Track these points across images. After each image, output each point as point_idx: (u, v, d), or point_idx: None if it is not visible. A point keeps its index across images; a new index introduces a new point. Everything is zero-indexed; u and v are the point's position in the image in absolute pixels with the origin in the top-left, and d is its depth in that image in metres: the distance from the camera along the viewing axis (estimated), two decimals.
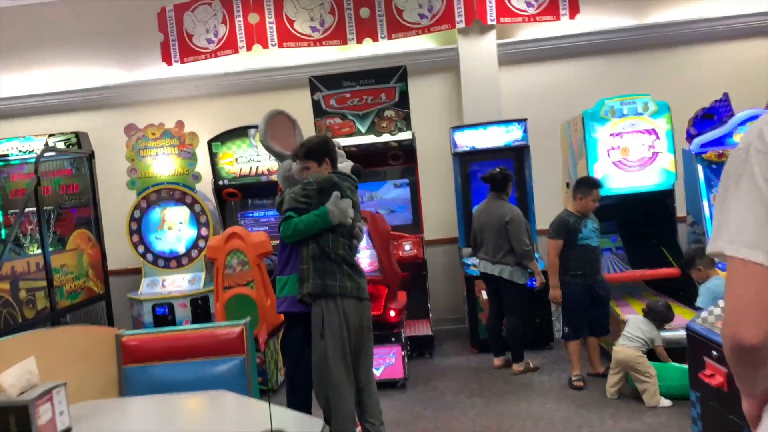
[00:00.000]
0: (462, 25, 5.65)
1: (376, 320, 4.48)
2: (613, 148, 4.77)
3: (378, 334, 4.44)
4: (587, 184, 4.22)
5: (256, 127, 5.23)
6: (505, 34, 5.91)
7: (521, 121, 5.34)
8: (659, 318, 3.91)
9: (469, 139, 5.38)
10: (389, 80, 5.08)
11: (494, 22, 5.67)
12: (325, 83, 5.11)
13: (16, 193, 5.97)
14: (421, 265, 5.25)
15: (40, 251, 5.32)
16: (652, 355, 3.84)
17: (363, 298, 3.14)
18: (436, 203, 5.98)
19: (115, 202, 5.89)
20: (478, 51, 5.78)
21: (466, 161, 5.51)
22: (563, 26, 5.81)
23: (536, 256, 4.81)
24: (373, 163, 5.29)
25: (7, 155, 5.71)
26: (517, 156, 5.48)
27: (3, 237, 5.88)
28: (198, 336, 2.89)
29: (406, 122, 5.16)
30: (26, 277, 4.63)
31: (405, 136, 5.14)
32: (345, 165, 3.49)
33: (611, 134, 4.77)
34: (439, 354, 5.27)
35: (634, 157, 4.73)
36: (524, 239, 4.47)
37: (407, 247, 5.16)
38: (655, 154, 4.71)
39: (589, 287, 4.15)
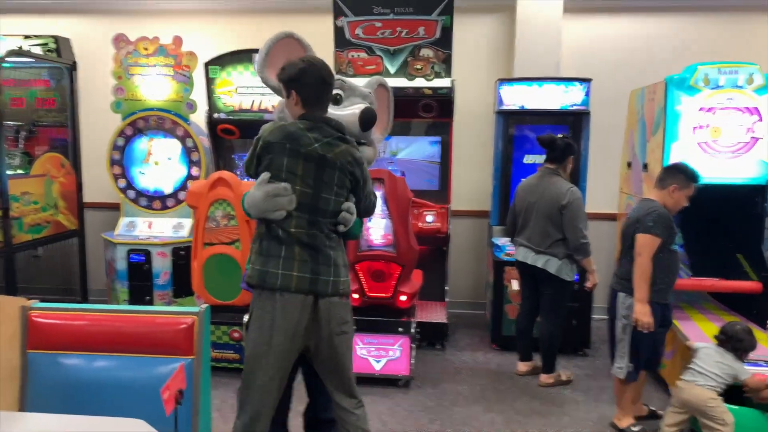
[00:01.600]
0: None
1: (383, 303, 3.72)
2: (700, 127, 3.79)
3: (383, 321, 3.69)
4: (687, 175, 3.13)
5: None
6: None
7: (585, 80, 4.38)
8: (741, 347, 3.04)
9: (518, 96, 4.44)
10: (431, 11, 4.13)
11: None
12: (352, 6, 4.17)
13: None
14: (443, 240, 4.42)
15: (11, 172, 4.58)
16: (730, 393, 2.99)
17: (327, 294, 2.26)
18: (469, 169, 5.12)
19: (97, 125, 5.10)
20: None
21: (512, 123, 4.61)
22: None
23: None
24: (399, 112, 4.29)
25: None
26: (573, 123, 4.54)
27: None
28: (133, 322, 2.08)
29: (446, 66, 4.23)
30: None
31: (442, 83, 4.23)
32: (348, 113, 2.52)
33: (701, 108, 3.79)
34: (452, 346, 4.48)
35: (726, 141, 3.75)
36: (582, 229, 3.58)
37: (429, 218, 4.32)
38: (755, 139, 3.74)
39: (664, 307, 3.14)
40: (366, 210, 2.47)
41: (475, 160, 5.11)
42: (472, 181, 5.13)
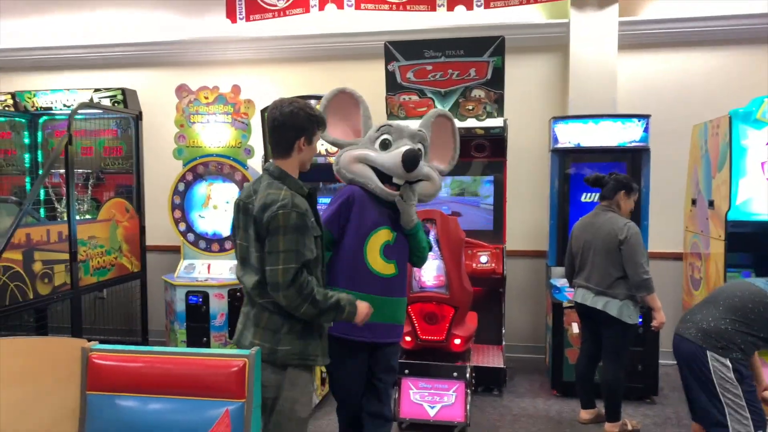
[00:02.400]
0: None
1: (437, 347, 3.65)
2: None
3: (437, 365, 3.61)
4: None
5: (318, 97, 4.46)
6: (628, 10, 4.82)
7: (643, 117, 4.27)
8: None
9: (573, 134, 4.37)
10: (482, 53, 4.14)
11: None
12: (403, 51, 4.23)
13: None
14: (499, 281, 4.32)
15: (81, 218, 4.81)
16: None
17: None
18: (525, 208, 5.04)
19: (160, 171, 5.31)
20: (595, 29, 4.73)
21: (568, 161, 4.52)
22: (704, 5, 4.66)
23: None
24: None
25: (51, 108, 5.20)
26: (632, 160, 4.42)
27: (42, 198, 5.40)
28: (186, 364, 2.10)
29: (498, 106, 4.21)
30: (43, 248, 4.05)
31: (495, 122, 4.21)
32: (391, 155, 2.62)
33: None
34: (510, 392, 4.32)
35: None
36: (643, 264, 3.42)
37: (483, 259, 4.23)
38: None
39: None
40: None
41: (530, 200, 5.02)
42: (528, 220, 5.03)
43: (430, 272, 3.50)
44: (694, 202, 4.36)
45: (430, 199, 2.85)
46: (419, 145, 2.74)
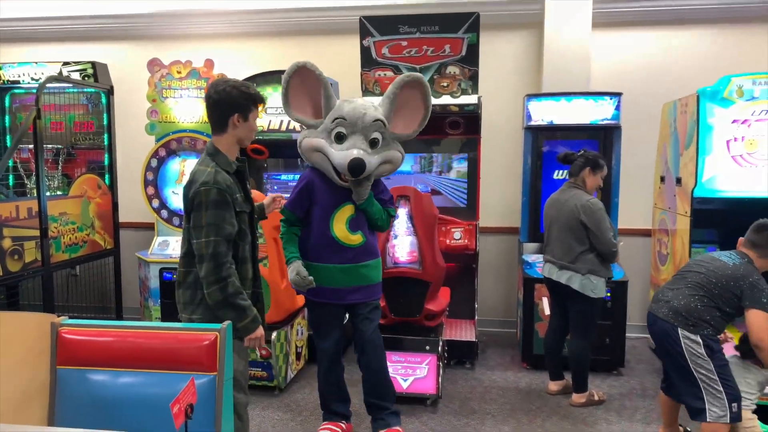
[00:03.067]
0: None
1: (410, 321, 3.70)
2: (735, 139, 3.71)
3: (410, 339, 3.67)
4: None
5: None
6: None
7: (615, 94, 4.31)
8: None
9: (546, 112, 4.40)
10: (457, 29, 4.13)
11: None
12: (378, 26, 4.20)
13: None
14: (472, 257, 4.37)
15: (50, 194, 4.73)
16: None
17: None
18: (498, 185, 5.09)
19: (133, 147, 5.27)
20: (569, 6, 4.73)
21: (541, 138, 4.56)
22: None
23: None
24: (426, 129, 4.32)
25: (19, 82, 5.08)
26: (604, 137, 4.47)
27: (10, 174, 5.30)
28: (157, 338, 2.10)
29: (473, 83, 4.22)
30: (12, 224, 3.99)
31: (469, 99, 4.21)
32: (340, 156, 2.83)
33: (734, 121, 3.71)
34: (482, 365, 4.41)
35: (763, 155, 3.66)
36: (609, 235, 3.50)
37: (457, 235, 4.27)
38: None
39: None
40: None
41: (504, 177, 5.07)
42: (502, 197, 5.08)
43: (404, 248, 3.54)
44: (662, 179, 4.45)
45: (396, 167, 3.05)
46: (375, 135, 2.86)
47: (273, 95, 4.39)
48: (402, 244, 3.51)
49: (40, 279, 4.31)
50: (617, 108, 4.32)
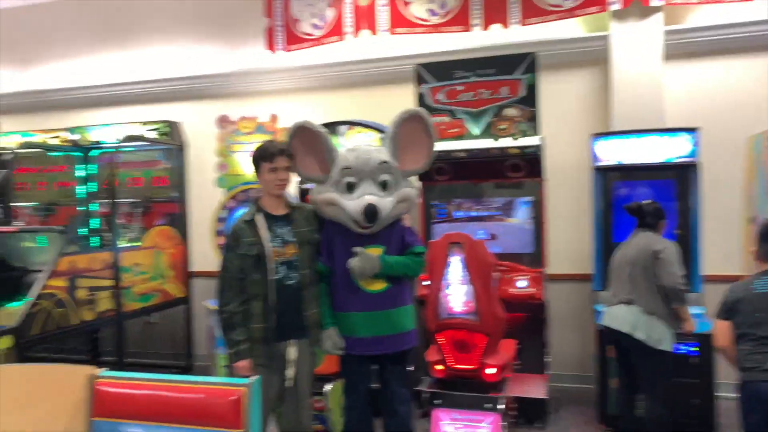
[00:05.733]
0: (617, 6, 4.42)
1: (469, 376, 3.50)
2: None
3: (470, 396, 3.46)
4: None
5: (347, 123, 4.48)
6: (674, 18, 4.59)
7: (692, 130, 4.02)
8: None
9: (615, 151, 4.17)
10: (513, 70, 4.04)
11: (661, 2, 4.39)
12: (433, 72, 4.19)
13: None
14: (539, 307, 4.13)
15: (126, 245, 4.99)
16: None
17: None
18: (567, 230, 4.83)
19: (204, 199, 5.43)
20: (637, 40, 4.52)
21: (610, 179, 4.30)
22: (754, 9, 4.37)
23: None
24: (487, 174, 4.29)
25: (101, 142, 5.46)
26: (680, 177, 4.15)
27: (93, 227, 5.64)
28: (187, 391, 2.09)
29: (533, 125, 4.08)
30: (87, 275, 4.20)
31: (530, 141, 4.06)
32: (353, 205, 2.86)
33: None
34: (554, 425, 4.10)
35: None
36: (678, 273, 3.22)
37: (522, 283, 4.06)
38: None
39: None
40: None
41: (573, 221, 4.81)
42: (571, 242, 4.80)
43: (459, 298, 3.38)
44: (752, 220, 4.05)
45: (413, 204, 3.06)
46: (384, 176, 2.88)
47: None
48: (456, 293, 3.36)
49: (113, 328, 4.52)
50: (695, 144, 4.02)
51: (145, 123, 5.34)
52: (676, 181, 4.18)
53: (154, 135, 5.26)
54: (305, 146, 2.97)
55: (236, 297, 2.75)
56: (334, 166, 2.93)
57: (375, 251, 2.87)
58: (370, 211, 2.79)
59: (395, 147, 2.96)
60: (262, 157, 2.81)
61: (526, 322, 4.24)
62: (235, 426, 1.99)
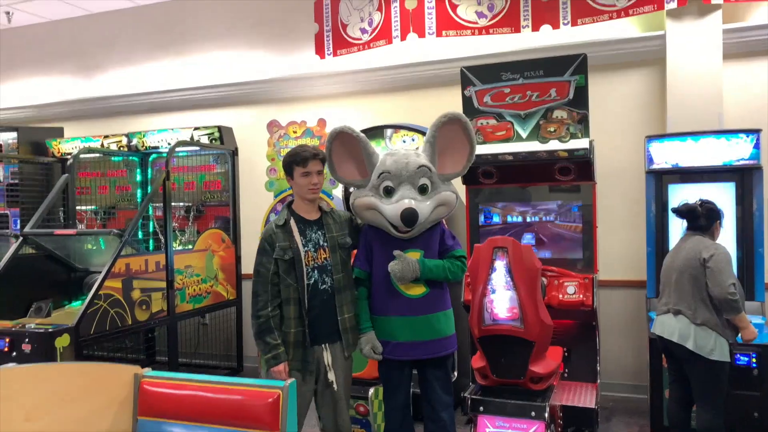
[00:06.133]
0: (673, 5, 4.24)
1: (513, 385, 3.44)
2: None
3: (514, 404, 3.39)
4: None
5: (393, 127, 4.49)
6: (733, 16, 4.39)
7: (753, 131, 3.83)
8: None
9: (671, 154, 4.02)
10: (563, 72, 3.93)
11: (719, 0, 4.21)
12: (479, 75, 4.13)
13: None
14: (590, 314, 4.01)
15: (180, 248, 5.14)
16: None
17: None
18: (619, 235, 4.72)
19: (254, 203, 5.55)
20: (695, 39, 4.35)
21: (665, 183, 4.16)
22: None
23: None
24: (535, 177, 4.21)
25: (158, 147, 5.64)
26: (740, 180, 3.97)
27: (151, 230, 5.84)
28: (226, 392, 2.12)
29: (582, 127, 3.96)
30: (142, 276, 4.35)
31: (579, 144, 3.94)
32: (391, 208, 2.88)
33: None
34: None
35: None
36: (728, 281, 3.05)
37: (571, 290, 3.95)
38: None
39: None
40: None
41: (625, 225, 4.69)
42: (624, 247, 4.69)
43: (503, 304, 3.30)
44: None
45: (446, 216, 3.05)
46: (423, 181, 2.88)
47: (378, 148, 4.44)
48: (501, 299, 3.28)
49: (165, 328, 4.65)
50: (756, 146, 3.83)
51: (197, 128, 5.48)
52: (736, 185, 3.99)
53: (206, 140, 5.39)
54: (345, 151, 3.00)
55: (270, 301, 2.79)
56: (373, 170, 2.96)
57: (414, 255, 2.88)
58: (409, 215, 2.80)
59: (434, 151, 2.96)
60: (294, 161, 2.85)
61: (576, 330, 4.14)
62: (273, 428, 2.01)
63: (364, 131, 4.51)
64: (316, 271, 2.85)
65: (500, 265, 3.28)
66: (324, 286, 2.85)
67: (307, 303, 2.79)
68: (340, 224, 3.00)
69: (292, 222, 2.88)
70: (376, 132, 4.54)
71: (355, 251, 3.10)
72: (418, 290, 2.89)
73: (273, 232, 2.85)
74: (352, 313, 2.93)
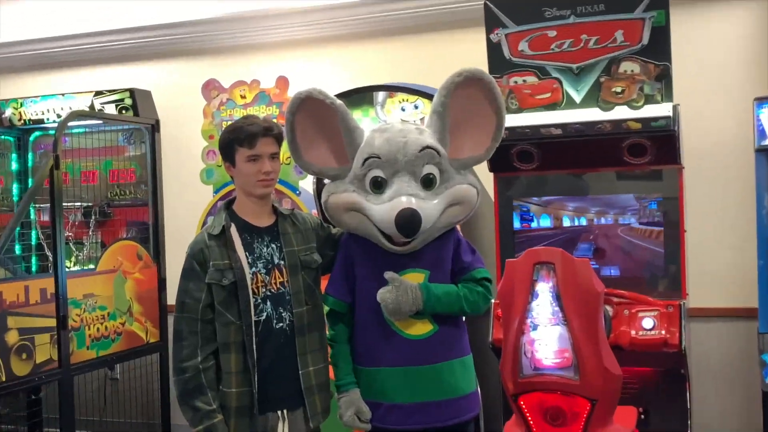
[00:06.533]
0: None
1: None
2: None
3: None
4: None
5: (387, 88, 4.51)
6: None
7: None
8: None
9: None
10: (633, 6, 3.92)
11: None
12: (512, 12, 4.09)
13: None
14: (678, 358, 4.02)
15: (77, 268, 5.10)
16: None
17: None
18: (718, 242, 4.76)
19: (186, 201, 5.55)
20: None
21: None
22: None
23: None
24: (593, 159, 4.22)
25: (43, 121, 5.61)
26: None
27: (33, 243, 5.79)
28: None
29: (663, 86, 3.96)
30: (20, 311, 4.30)
31: (659, 110, 3.94)
32: (382, 210, 2.85)
33: None
34: None
35: None
36: None
37: (648, 323, 3.95)
38: None
39: None
40: None
41: (727, 228, 4.74)
42: (726, 260, 4.74)
43: (549, 345, 3.30)
44: None
45: (472, 208, 3.04)
46: (428, 169, 2.85)
47: (364, 120, 4.44)
48: (545, 338, 3.28)
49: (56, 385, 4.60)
50: None
51: (101, 93, 5.47)
52: None
53: (113, 110, 5.36)
54: (314, 125, 2.98)
55: (201, 347, 2.75)
56: (356, 154, 2.94)
57: (415, 278, 2.88)
58: (408, 220, 2.75)
59: (445, 125, 2.93)
60: (236, 139, 2.81)
61: (657, 380, 4.19)
62: None
63: (342, 96, 4.55)
64: (268, 303, 2.82)
65: (544, 290, 3.31)
66: (281, 324, 2.83)
67: (255, 350, 2.76)
68: (305, 233, 3.00)
69: (233, 230, 2.85)
70: (361, 97, 4.54)
71: (328, 274, 3.09)
72: (423, 329, 2.89)
73: (205, 246, 2.82)
74: (322, 365, 2.93)
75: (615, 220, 4.35)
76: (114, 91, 5.43)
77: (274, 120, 4.79)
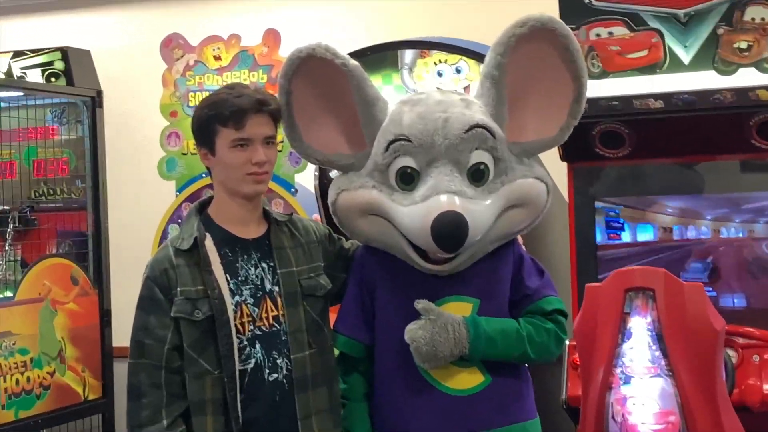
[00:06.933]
0: None
1: None
2: None
3: None
4: None
5: (416, 45, 4.58)
6: None
7: None
8: None
9: None
10: None
11: None
12: None
13: None
14: None
15: None
16: None
17: None
18: None
19: (140, 202, 5.65)
20: None
21: None
22: None
23: None
24: (711, 144, 4.27)
25: None
26: None
27: None
28: None
29: None
30: None
31: None
32: (412, 213, 2.79)
33: None
34: None
35: None
36: None
37: None
38: None
39: None
40: None
41: None
42: None
43: (648, 404, 3.39)
44: None
45: (542, 211, 3.04)
46: (477, 155, 2.82)
47: (385, 89, 4.53)
48: (642, 395, 3.37)
49: None
50: None
51: (22, 54, 5.58)
52: None
53: (38, 76, 5.46)
54: (318, 95, 2.99)
55: (166, 407, 2.70)
56: (377, 136, 2.94)
57: (460, 309, 2.89)
58: (450, 228, 2.70)
59: (501, 96, 2.92)
60: (218, 117, 2.75)
61: None
62: None
63: (356, 55, 4.65)
64: (258, 345, 2.80)
65: (640, 326, 3.38)
66: (275, 375, 2.81)
67: (240, 411, 2.73)
68: (308, 247, 3.00)
69: (209, 244, 2.81)
70: (382, 57, 4.65)
71: (339, 305, 3.11)
72: (469, 381, 2.88)
73: (170, 266, 2.78)
74: (337, 429, 2.94)
75: (740, 229, 4.44)
76: (40, 51, 5.52)
77: (267, 90, 4.96)
